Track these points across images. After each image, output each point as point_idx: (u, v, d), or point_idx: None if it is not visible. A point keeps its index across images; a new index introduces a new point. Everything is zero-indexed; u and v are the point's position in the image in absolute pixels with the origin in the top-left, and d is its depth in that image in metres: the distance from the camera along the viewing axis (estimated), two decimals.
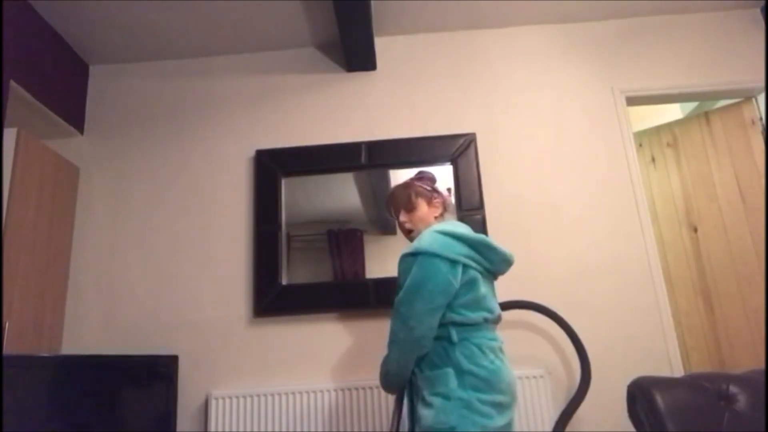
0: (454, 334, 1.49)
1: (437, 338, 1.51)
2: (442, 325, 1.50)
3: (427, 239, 1.55)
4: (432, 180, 1.85)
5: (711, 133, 2.79)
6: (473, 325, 1.51)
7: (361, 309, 2.37)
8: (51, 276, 2.36)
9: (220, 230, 2.55)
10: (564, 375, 2.26)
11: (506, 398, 1.46)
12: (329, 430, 2.18)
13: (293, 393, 2.22)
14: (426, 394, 1.48)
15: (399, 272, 1.59)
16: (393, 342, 1.54)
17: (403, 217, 1.76)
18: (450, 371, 1.46)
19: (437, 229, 1.59)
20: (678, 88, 2.65)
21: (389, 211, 1.85)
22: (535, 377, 2.20)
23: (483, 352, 1.49)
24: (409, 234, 1.75)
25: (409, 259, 1.55)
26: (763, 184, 2.56)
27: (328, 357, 2.35)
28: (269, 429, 2.18)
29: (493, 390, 1.44)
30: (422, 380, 1.51)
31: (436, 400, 1.44)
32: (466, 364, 1.46)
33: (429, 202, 1.75)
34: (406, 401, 1.61)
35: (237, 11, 2.52)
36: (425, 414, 1.44)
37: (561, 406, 2.20)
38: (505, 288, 2.37)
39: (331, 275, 2.44)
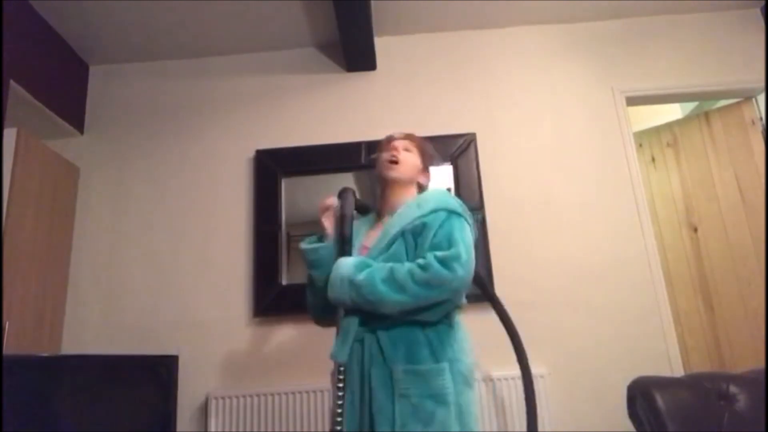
0: (454, 317, 1.42)
1: (437, 323, 1.38)
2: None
3: (455, 202, 1.47)
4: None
5: (711, 133, 2.79)
6: (459, 309, 1.45)
7: None
8: (51, 276, 2.36)
9: (220, 230, 2.55)
10: (565, 375, 2.26)
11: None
12: (329, 430, 2.18)
13: (293, 393, 2.22)
14: (414, 393, 1.30)
15: (422, 219, 1.42)
16: (429, 287, 1.30)
17: (402, 151, 1.57)
18: (445, 367, 1.33)
19: (457, 199, 1.51)
20: (678, 88, 2.65)
21: (400, 138, 1.63)
22: (535, 377, 2.19)
23: (467, 343, 1.43)
24: (388, 169, 1.56)
25: (445, 214, 1.42)
26: (763, 184, 2.56)
27: (328, 357, 2.35)
28: (269, 429, 2.18)
29: (472, 387, 1.39)
30: (410, 374, 1.32)
31: (430, 406, 1.29)
32: (459, 356, 1.37)
33: (424, 170, 1.62)
34: (354, 389, 1.39)
35: (237, 11, 2.52)
36: (411, 417, 1.28)
37: (561, 406, 2.20)
38: (505, 287, 2.37)
39: None
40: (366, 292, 1.33)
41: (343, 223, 1.48)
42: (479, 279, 1.85)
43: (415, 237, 1.42)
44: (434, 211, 1.43)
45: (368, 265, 1.38)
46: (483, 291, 1.85)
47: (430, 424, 1.27)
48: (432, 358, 1.34)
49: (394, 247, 1.43)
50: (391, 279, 1.32)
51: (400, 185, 1.56)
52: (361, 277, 1.34)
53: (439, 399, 1.30)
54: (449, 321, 1.41)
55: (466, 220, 1.45)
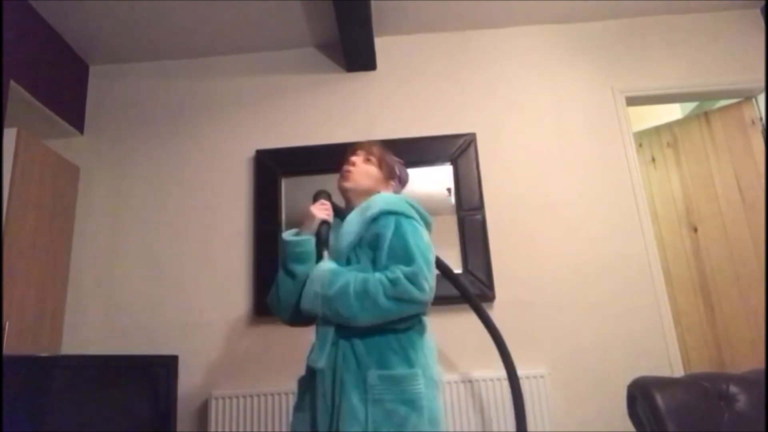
0: (425, 323, 1.43)
1: (408, 328, 1.38)
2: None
3: (403, 204, 1.45)
4: (402, 179, 1.70)
5: (711, 133, 2.79)
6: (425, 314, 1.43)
7: None
8: (51, 276, 2.36)
9: (220, 230, 2.55)
10: (565, 375, 2.26)
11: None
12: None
13: (293, 393, 2.21)
14: (388, 399, 1.30)
15: (375, 229, 1.42)
16: (400, 302, 1.31)
17: (355, 163, 1.58)
18: (419, 372, 1.33)
19: (407, 200, 1.49)
20: (678, 88, 2.65)
21: (357, 147, 1.64)
22: (535, 377, 2.20)
23: (435, 349, 1.43)
24: (341, 179, 1.57)
25: (394, 218, 1.41)
26: (763, 184, 2.56)
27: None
28: (269, 429, 2.18)
29: (440, 392, 1.40)
30: (384, 380, 1.32)
31: (403, 411, 1.29)
32: (430, 362, 1.39)
33: (386, 180, 1.61)
34: (322, 397, 1.37)
35: (237, 11, 2.52)
36: (383, 421, 1.28)
37: (561, 406, 2.20)
38: (505, 287, 2.37)
39: None
40: (339, 306, 1.34)
41: (320, 224, 1.49)
42: (458, 282, 1.85)
43: (372, 249, 1.42)
44: (382, 213, 1.42)
45: (341, 274, 1.37)
46: (462, 293, 1.84)
47: (403, 427, 1.28)
48: (405, 364, 1.34)
49: (355, 259, 1.43)
50: (364, 293, 1.32)
51: (356, 195, 1.56)
52: (332, 293, 1.34)
53: (413, 404, 1.30)
54: (420, 327, 1.42)
55: (416, 221, 1.44)
